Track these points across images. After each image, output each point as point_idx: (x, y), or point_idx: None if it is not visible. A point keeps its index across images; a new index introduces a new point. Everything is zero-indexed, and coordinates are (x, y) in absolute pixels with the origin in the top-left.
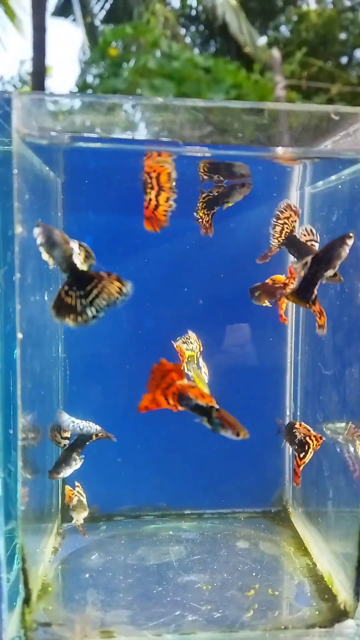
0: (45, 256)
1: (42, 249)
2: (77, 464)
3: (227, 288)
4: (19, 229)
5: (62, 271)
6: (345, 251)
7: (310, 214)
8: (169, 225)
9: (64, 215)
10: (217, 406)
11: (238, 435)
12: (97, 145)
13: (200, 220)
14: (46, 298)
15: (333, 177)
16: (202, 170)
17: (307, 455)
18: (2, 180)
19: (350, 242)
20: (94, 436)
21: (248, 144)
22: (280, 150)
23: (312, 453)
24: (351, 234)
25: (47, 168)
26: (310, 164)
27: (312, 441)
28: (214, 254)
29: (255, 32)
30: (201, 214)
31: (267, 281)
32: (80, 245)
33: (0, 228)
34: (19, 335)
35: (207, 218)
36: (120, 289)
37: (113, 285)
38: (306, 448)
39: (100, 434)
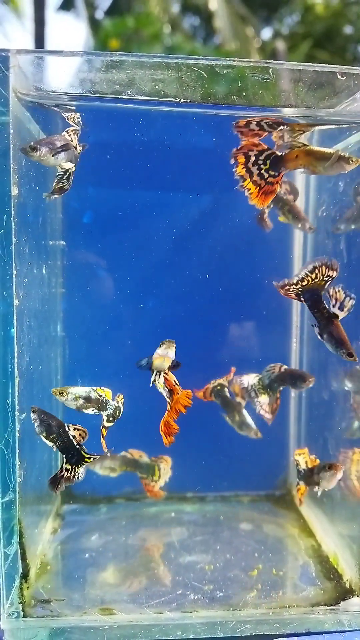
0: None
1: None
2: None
3: (232, 264)
4: (15, 191)
5: None
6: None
7: (317, 186)
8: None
9: None
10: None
11: None
12: (96, 104)
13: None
14: (44, 272)
15: (339, 147)
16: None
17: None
18: None
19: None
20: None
21: (253, 103)
22: (286, 111)
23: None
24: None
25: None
26: (317, 134)
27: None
28: (218, 230)
29: (246, 23)
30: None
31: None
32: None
33: None
34: (16, 302)
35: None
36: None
37: None
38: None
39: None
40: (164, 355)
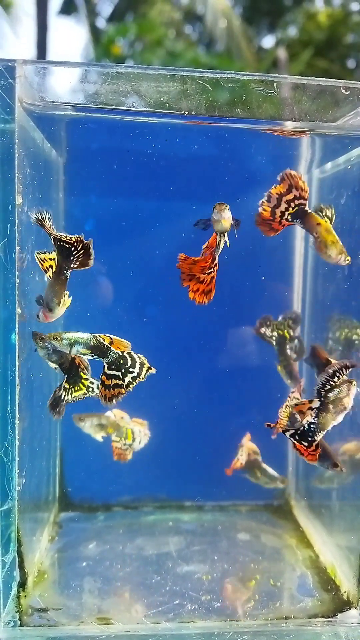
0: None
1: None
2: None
3: (233, 273)
4: (19, 200)
5: None
6: None
7: (319, 198)
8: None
9: (65, 197)
10: None
11: None
12: (99, 116)
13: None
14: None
15: (341, 160)
16: None
17: None
18: (3, 151)
19: None
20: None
21: (256, 116)
22: (289, 124)
23: None
24: None
25: (49, 146)
26: (319, 147)
27: None
28: None
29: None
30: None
31: None
32: None
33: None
34: (18, 311)
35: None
36: None
37: None
38: None
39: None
40: (221, 218)
